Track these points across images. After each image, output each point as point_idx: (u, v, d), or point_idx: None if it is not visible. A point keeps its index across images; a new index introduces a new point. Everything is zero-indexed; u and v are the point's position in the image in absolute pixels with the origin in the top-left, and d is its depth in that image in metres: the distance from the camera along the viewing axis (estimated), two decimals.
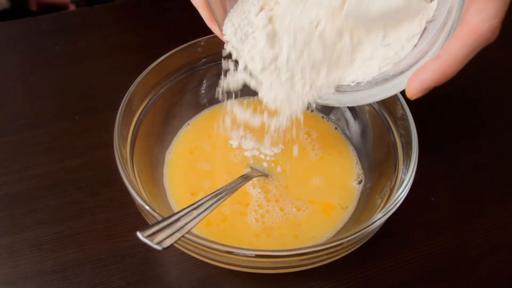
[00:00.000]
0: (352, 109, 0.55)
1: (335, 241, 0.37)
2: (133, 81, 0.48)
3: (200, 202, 0.39)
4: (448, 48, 0.32)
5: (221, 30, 0.44)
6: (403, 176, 0.43)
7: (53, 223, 0.48)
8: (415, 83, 0.34)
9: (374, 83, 0.40)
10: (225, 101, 0.46)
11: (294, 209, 0.47)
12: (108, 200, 0.50)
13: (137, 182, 0.44)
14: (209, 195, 0.41)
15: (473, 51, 0.31)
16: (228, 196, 0.43)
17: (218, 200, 0.41)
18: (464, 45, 0.31)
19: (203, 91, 0.56)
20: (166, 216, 0.36)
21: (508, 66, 0.68)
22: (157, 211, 0.38)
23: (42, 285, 0.43)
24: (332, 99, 0.42)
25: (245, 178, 0.47)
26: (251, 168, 0.50)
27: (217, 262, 0.40)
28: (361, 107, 0.53)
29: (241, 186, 0.46)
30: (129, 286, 0.43)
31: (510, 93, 0.64)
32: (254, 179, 0.48)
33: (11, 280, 0.44)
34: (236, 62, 0.44)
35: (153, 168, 0.50)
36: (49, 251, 0.46)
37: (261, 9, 0.42)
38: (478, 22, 0.30)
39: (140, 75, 0.48)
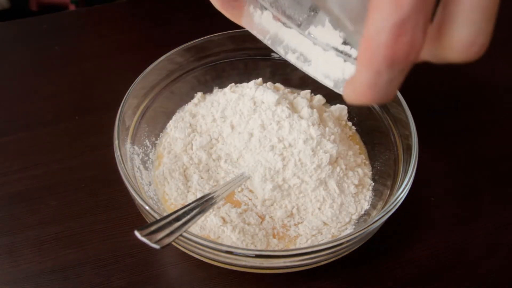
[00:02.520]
0: (352, 109, 0.55)
1: (335, 241, 0.37)
2: (133, 81, 0.48)
3: (199, 202, 0.39)
4: (355, 74, 0.23)
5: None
6: (403, 176, 0.43)
7: (53, 223, 0.48)
8: (344, 93, 0.26)
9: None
10: None
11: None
12: (108, 200, 0.50)
13: (137, 182, 0.44)
14: (208, 194, 0.41)
15: (381, 74, 0.21)
16: (227, 195, 0.43)
17: (216, 198, 0.41)
18: (363, 67, 0.22)
19: (203, 91, 0.56)
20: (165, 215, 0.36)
21: (504, 68, 0.68)
22: (156, 210, 0.38)
23: (42, 285, 0.44)
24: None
25: (243, 176, 0.46)
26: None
27: (217, 262, 0.40)
28: (361, 107, 0.53)
29: (240, 185, 0.46)
30: (129, 286, 0.43)
31: (507, 94, 0.64)
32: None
33: (11, 280, 0.44)
34: None
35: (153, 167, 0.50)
36: (49, 251, 0.46)
37: None
38: (369, 34, 0.21)
39: (140, 75, 0.49)
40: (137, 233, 0.33)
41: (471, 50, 0.22)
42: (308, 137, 0.46)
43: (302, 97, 0.51)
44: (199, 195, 0.46)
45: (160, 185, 0.47)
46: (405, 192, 0.41)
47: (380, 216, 0.39)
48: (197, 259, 0.41)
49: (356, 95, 0.24)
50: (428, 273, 0.45)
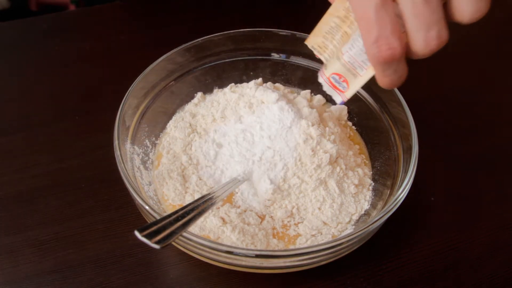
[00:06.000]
0: (352, 109, 0.55)
1: (335, 241, 0.37)
2: (133, 81, 0.48)
3: (198, 202, 0.39)
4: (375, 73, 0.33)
5: None
6: (403, 176, 0.43)
7: (53, 223, 0.48)
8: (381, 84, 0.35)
9: None
10: None
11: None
12: (108, 200, 0.50)
13: (137, 182, 0.44)
14: (207, 194, 0.41)
15: (385, 69, 0.31)
16: (226, 196, 0.43)
17: (216, 198, 0.41)
18: (375, 68, 0.32)
19: (203, 91, 0.56)
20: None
21: (504, 68, 0.68)
22: (156, 210, 0.38)
23: (42, 285, 0.44)
24: None
25: (243, 176, 0.46)
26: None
27: (217, 262, 0.40)
28: (361, 107, 0.53)
29: (238, 185, 0.46)
30: (129, 286, 0.43)
31: (507, 94, 0.64)
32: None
33: (11, 280, 0.44)
34: None
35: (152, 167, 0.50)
36: (49, 251, 0.46)
37: None
38: (368, 51, 0.31)
39: (140, 75, 0.49)
40: (137, 233, 0.33)
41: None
42: (308, 137, 0.46)
43: (302, 97, 0.51)
44: (196, 196, 0.46)
45: (159, 185, 0.47)
46: (405, 192, 0.41)
47: (380, 216, 0.39)
48: (197, 259, 0.41)
49: (384, 84, 0.33)
50: (428, 273, 0.45)
